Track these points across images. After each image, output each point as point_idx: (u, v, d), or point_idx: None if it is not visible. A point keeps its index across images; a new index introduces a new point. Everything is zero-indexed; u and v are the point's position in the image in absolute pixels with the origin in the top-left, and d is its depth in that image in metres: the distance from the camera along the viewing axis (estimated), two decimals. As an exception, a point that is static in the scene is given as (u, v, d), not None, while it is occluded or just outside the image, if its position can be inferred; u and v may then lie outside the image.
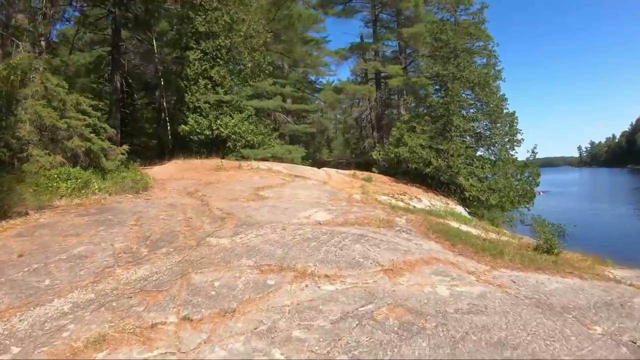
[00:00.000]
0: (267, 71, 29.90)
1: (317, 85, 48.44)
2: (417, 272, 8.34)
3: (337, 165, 43.53)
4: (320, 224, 12.23)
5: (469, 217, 21.64)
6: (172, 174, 21.22)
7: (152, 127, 31.08)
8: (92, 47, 32.73)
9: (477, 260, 9.63)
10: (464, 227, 15.30)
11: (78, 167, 16.07)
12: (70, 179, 15.12)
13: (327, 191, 18.57)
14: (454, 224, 15.58)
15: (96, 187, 15.29)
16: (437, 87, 32.23)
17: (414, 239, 11.25)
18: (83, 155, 16.75)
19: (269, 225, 11.32)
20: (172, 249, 8.96)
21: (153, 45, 29.87)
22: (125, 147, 19.28)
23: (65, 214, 12.07)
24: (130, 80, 30.97)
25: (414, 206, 19.89)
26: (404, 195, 22.04)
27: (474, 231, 15.05)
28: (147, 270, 7.75)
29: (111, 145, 18.16)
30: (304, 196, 16.88)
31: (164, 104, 29.44)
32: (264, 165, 24.28)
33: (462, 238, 11.84)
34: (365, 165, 37.60)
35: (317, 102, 47.67)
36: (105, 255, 8.53)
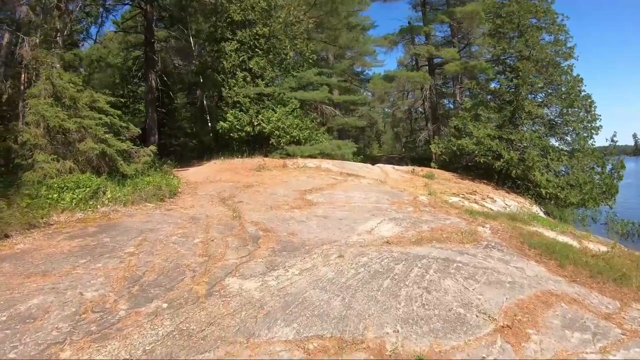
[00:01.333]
0: (310, 60, 26.48)
1: (363, 77, 44.63)
2: (543, 325, 5.61)
3: (389, 160, 39.61)
4: (389, 242, 8.70)
5: (552, 220, 17.40)
6: (208, 176, 17.97)
7: (192, 126, 28.10)
8: (127, 49, 30.04)
9: (599, 291, 7.31)
10: (560, 237, 11.42)
11: (88, 174, 12.97)
12: (79, 188, 12.09)
13: (387, 192, 14.87)
14: (547, 233, 11.71)
15: (108, 196, 12.14)
16: (500, 70, 27.86)
17: (511, 259, 8.52)
18: (96, 159, 13.65)
19: (320, 250, 7.89)
20: (165, 304, 5.45)
21: (190, 41, 26.75)
22: (153, 148, 16.11)
23: (55, 235, 8.89)
24: (165, 79, 28.06)
25: (490, 208, 15.93)
26: (474, 194, 18.04)
27: (571, 242, 11.17)
28: (108, 358, 4.31)
29: (133, 147, 14.97)
30: (360, 200, 13.29)
31: (204, 101, 26.34)
32: (311, 163, 20.79)
33: (567, 255, 9.03)
34: (420, 160, 33.57)
35: (364, 94, 43.84)
36: (62, 317, 5.12)
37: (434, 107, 37.41)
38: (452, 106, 39.13)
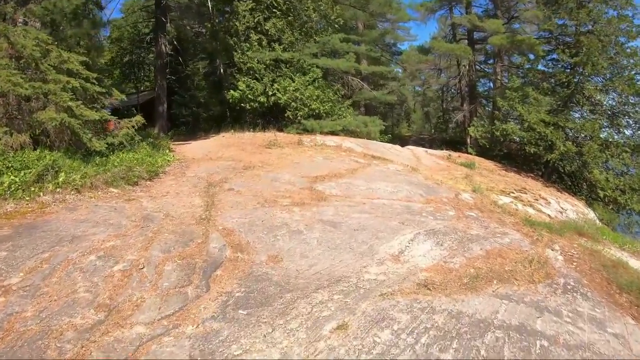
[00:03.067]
0: (336, 25, 22.81)
1: (395, 49, 40.43)
2: None
3: (419, 142, 35.95)
4: (427, 285, 5.43)
5: (618, 234, 13.45)
6: (209, 152, 14.88)
7: (204, 95, 24.95)
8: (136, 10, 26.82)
9: None
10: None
11: (39, 151, 10.01)
12: (26, 169, 9.19)
13: (421, 185, 11.38)
14: (630, 261, 8.29)
15: (60, 180, 9.10)
16: (552, 47, 23.70)
17: (604, 316, 5.45)
18: (54, 132, 10.63)
19: (309, 304, 4.74)
20: None
21: (207, 4, 23.29)
22: (138, 118, 12.90)
23: None
24: (176, 44, 24.78)
25: (548, 214, 12.33)
26: (525, 192, 14.35)
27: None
28: None
29: (110, 117, 11.85)
30: (386, 194, 9.93)
31: (221, 69, 23.02)
32: (331, 140, 17.42)
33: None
34: (452, 143, 29.99)
35: (394, 70, 39.84)
36: None
37: (472, 85, 33.12)
38: (491, 85, 34.84)
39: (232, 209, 7.98)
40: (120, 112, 26.39)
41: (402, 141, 31.75)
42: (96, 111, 11.57)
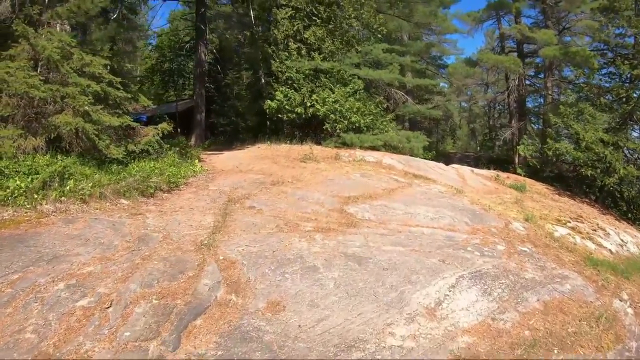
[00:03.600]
0: (379, 35, 21.70)
1: (440, 62, 38.73)
2: None
3: (463, 159, 34.25)
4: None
5: None
6: (240, 164, 13.95)
7: (243, 105, 24.23)
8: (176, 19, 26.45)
9: None
10: None
11: (49, 155, 9.33)
12: (36, 174, 8.51)
13: (466, 210, 9.92)
14: None
15: (68, 187, 8.31)
16: (609, 58, 21.81)
17: None
18: (68, 137, 9.90)
19: None
20: None
21: (249, 13, 22.58)
22: (164, 126, 12.14)
23: None
24: (215, 52, 24.28)
25: (609, 250, 10.65)
26: (581, 221, 12.54)
27: None
28: None
29: (132, 123, 11.04)
30: (427, 222, 8.61)
31: (262, 79, 22.22)
32: (371, 156, 16.18)
33: None
34: (499, 162, 27.83)
35: (439, 83, 38.19)
36: None
37: (521, 101, 31.16)
38: (542, 101, 32.76)
39: (243, 232, 6.93)
40: (153, 119, 26.26)
41: (447, 158, 30.18)
42: (118, 117, 10.83)
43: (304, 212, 8.34)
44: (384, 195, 10.28)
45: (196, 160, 13.93)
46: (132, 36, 17.80)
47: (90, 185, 8.66)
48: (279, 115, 18.75)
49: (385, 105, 21.21)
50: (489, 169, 21.23)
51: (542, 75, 33.05)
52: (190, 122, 23.32)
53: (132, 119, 11.04)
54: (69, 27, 12.03)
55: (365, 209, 8.88)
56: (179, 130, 26.85)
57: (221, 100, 25.46)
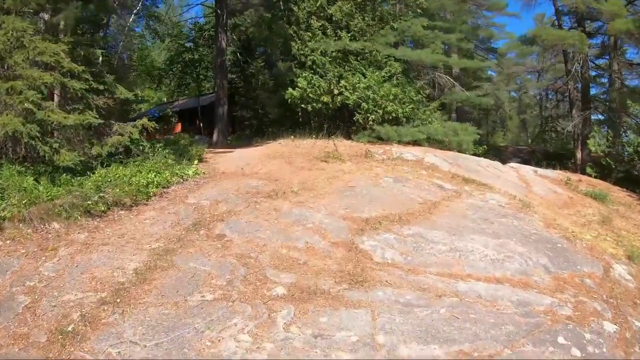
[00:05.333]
0: (418, 8, 17.59)
1: (489, 44, 34.32)
2: None
3: (516, 153, 30.44)
4: None
5: None
6: (248, 164, 11.21)
7: (268, 96, 21.51)
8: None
9: None
10: None
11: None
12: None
13: (542, 243, 6.47)
14: None
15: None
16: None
17: None
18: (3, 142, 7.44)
19: None
20: None
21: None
22: (143, 121, 9.44)
23: None
24: (235, 39, 21.63)
25: None
26: None
27: None
28: None
29: (94, 120, 8.31)
30: (484, 268, 5.55)
31: (281, 64, 19.43)
32: (410, 153, 12.97)
33: None
34: (556, 157, 24.45)
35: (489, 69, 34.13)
36: None
37: (585, 87, 26.92)
38: (605, 87, 28.26)
39: (158, 301, 4.26)
40: (165, 116, 24.01)
41: (498, 152, 26.52)
42: (79, 113, 8.22)
43: (291, 248, 5.55)
44: (421, 213, 7.18)
45: (195, 161, 11.27)
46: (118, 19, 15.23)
47: (12, 203, 6.13)
48: (303, 106, 15.79)
49: (427, 92, 17.77)
50: (547, 165, 17.59)
51: (606, 58, 28.54)
52: (212, 116, 20.84)
53: (95, 116, 8.35)
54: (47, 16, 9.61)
55: (388, 242, 5.89)
56: (201, 125, 24.63)
57: (246, 91, 22.80)
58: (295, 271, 4.89)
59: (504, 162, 16.36)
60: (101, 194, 7.02)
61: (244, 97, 22.86)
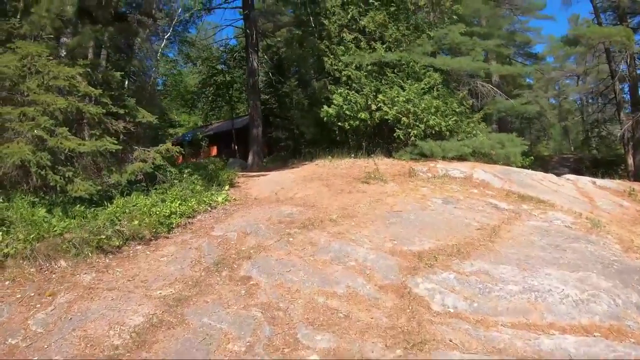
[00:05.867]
0: (454, 14, 16.28)
1: (528, 49, 32.52)
2: None
3: (562, 162, 28.91)
4: None
5: None
6: (282, 189, 10.32)
7: (303, 115, 20.68)
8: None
9: None
10: None
11: None
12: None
13: (628, 273, 5.12)
14: None
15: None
16: None
17: None
18: (15, 171, 6.76)
19: None
20: None
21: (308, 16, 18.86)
22: (166, 146, 8.69)
23: None
24: (266, 58, 20.99)
25: None
26: None
27: None
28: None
29: (111, 145, 7.50)
30: (568, 317, 4.31)
31: (315, 81, 18.61)
32: (456, 169, 11.73)
33: None
34: (606, 164, 23.17)
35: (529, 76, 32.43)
36: None
37: (633, 86, 24.92)
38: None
39: None
40: (193, 140, 23.44)
41: (543, 163, 24.95)
42: (96, 139, 7.48)
43: (330, 295, 4.49)
44: (482, 242, 6.00)
45: (226, 187, 10.44)
46: (141, 42, 14.59)
47: (19, 238, 5.45)
48: (340, 124, 14.78)
49: (470, 103, 16.47)
50: (597, 174, 16.01)
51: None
52: (245, 138, 20.14)
53: (114, 141, 7.59)
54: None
55: (448, 284, 4.76)
56: (236, 148, 23.99)
57: (280, 111, 22.04)
58: (334, 329, 3.84)
59: (549, 172, 14.87)
60: (116, 227, 6.20)
61: (278, 117, 22.16)
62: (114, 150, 7.59)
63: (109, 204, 7.24)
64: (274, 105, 22.80)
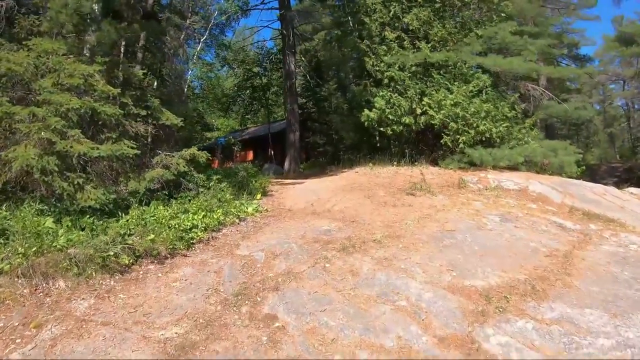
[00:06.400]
0: (503, 13, 14.81)
1: (576, 51, 30.49)
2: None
3: (611, 172, 27.07)
4: None
5: None
6: (319, 199, 9.37)
7: (343, 119, 19.66)
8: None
9: None
10: None
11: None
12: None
13: None
14: None
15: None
16: None
17: None
18: (21, 177, 6.04)
19: None
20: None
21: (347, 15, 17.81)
22: (191, 151, 7.79)
23: None
24: (304, 60, 20.11)
25: None
26: None
27: None
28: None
29: (128, 150, 6.62)
30: None
31: (352, 86, 17.58)
32: (509, 180, 10.40)
33: None
34: None
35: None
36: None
37: None
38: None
39: None
40: (227, 145, 22.69)
41: (591, 172, 23.19)
42: (113, 143, 6.67)
43: (375, 349, 3.45)
44: (556, 274, 4.80)
45: (258, 195, 9.58)
46: (171, 41, 13.85)
47: (18, 252, 4.81)
48: (381, 129, 13.66)
49: (522, 107, 15.02)
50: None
51: None
52: (283, 143, 19.30)
53: (133, 145, 6.74)
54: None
55: (525, 336, 3.61)
56: (272, 153, 23.17)
57: (318, 116, 21.07)
58: None
59: (597, 182, 13.28)
60: (128, 243, 5.35)
61: (316, 122, 21.19)
62: (132, 155, 6.76)
63: (123, 215, 6.42)
64: (312, 109, 21.87)
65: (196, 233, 6.34)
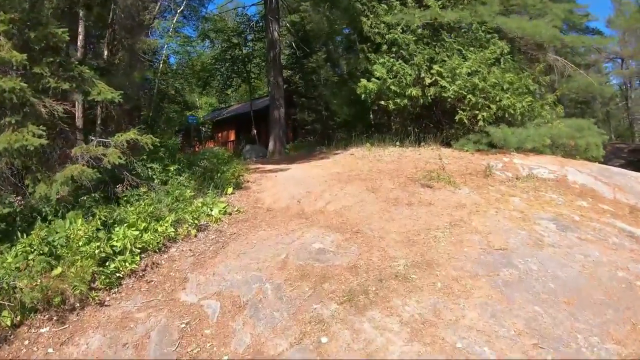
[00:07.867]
0: None
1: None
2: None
3: (616, 153, 25.91)
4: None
5: None
6: (308, 193, 7.33)
7: (334, 92, 17.57)
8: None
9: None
10: None
11: None
12: None
13: None
14: None
15: None
16: None
17: None
18: None
19: None
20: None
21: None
22: (131, 134, 5.62)
23: None
24: (289, 27, 17.87)
25: None
26: None
27: None
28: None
29: (37, 140, 4.51)
30: None
31: (344, 55, 15.50)
32: (540, 166, 8.36)
33: None
34: None
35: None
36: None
37: None
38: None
39: None
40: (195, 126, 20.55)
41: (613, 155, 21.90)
42: (13, 131, 4.56)
43: None
44: None
45: (229, 189, 7.43)
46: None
47: None
48: (382, 103, 11.54)
49: (548, 79, 12.87)
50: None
51: None
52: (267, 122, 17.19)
53: (42, 133, 4.62)
54: None
55: None
56: (255, 133, 20.98)
57: (306, 90, 18.94)
58: None
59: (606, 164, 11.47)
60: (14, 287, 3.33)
61: (304, 97, 19.06)
62: (37, 146, 4.62)
63: (24, 236, 4.33)
64: (299, 82, 19.67)
65: (125, 262, 4.30)
